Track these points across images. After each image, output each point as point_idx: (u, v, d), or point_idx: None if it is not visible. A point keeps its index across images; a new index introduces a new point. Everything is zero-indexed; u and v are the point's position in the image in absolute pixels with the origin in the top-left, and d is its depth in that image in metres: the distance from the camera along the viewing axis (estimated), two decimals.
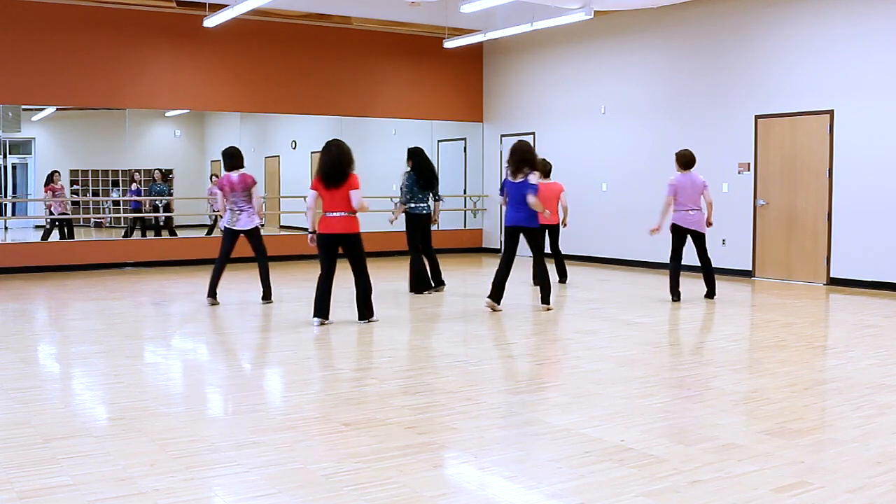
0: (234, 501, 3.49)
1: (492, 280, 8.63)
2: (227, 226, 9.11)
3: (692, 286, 10.03)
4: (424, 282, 10.04)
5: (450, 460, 4.12)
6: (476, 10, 11.60)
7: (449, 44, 14.27)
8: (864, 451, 4.12)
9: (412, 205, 9.92)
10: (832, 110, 10.83)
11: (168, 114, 15.93)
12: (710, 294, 9.58)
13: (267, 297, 9.22)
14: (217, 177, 15.51)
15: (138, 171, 15.44)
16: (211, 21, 11.99)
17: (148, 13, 13.17)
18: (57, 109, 15.31)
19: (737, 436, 4.37)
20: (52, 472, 3.80)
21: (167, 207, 15.60)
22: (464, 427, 4.55)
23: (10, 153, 15.89)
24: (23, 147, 16.41)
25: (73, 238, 14.33)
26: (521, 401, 5.14)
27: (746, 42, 11.83)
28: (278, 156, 18.40)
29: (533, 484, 3.68)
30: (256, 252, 9.20)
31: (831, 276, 10.93)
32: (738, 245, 12.01)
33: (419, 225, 9.92)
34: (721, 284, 11.10)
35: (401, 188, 10.00)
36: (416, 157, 10.00)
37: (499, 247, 16.33)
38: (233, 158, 9.15)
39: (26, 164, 16.60)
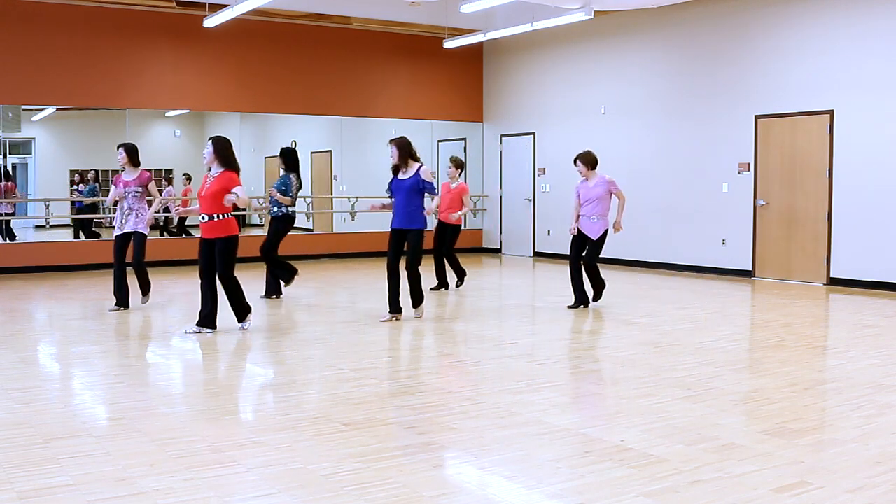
0: (234, 501, 3.49)
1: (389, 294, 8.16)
2: (118, 227, 8.77)
3: (692, 288, 10.03)
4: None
5: (450, 460, 4.12)
6: (476, 10, 11.60)
7: (449, 44, 14.27)
8: (864, 451, 4.12)
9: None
10: (832, 110, 10.83)
11: (168, 114, 15.91)
12: (595, 297, 9.23)
13: (122, 303, 8.89)
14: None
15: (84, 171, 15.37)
16: (211, 21, 11.99)
17: (148, 13, 13.17)
18: (57, 109, 15.29)
19: (737, 436, 4.37)
20: (52, 472, 3.80)
21: (94, 208, 15.32)
22: (464, 427, 4.55)
23: (10, 153, 15.87)
24: (23, 147, 16.38)
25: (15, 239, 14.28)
26: (521, 401, 5.14)
27: (746, 42, 11.82)
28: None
29: (533, 484, 3.68)
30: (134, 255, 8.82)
31: (831, 276, 10.92)
32: (737, 245, 12.01)
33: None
34: (721, 284, 11.11)
35: (286, 188, 9.38)
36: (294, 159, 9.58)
37: (499, 246, 16.35)
38: (131, 155, 8.83)
39: (26, 164, 16.59)
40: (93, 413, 4.97)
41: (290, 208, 9.47)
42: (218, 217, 7.24)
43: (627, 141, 13.64)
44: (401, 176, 8.05)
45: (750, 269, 11.88)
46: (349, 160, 16.46)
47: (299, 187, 9.55)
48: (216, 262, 7.32)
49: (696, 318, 8.46)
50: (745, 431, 4.49)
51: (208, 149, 7.44)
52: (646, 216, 12.98)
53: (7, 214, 14.40)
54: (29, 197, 16.50)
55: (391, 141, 8.15)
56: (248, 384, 5.88)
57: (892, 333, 7.50)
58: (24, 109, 15.32)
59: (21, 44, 12.47)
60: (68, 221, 15.50)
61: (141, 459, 3.97)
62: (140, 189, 8.79)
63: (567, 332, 7.63)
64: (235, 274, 7.42)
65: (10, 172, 14.78)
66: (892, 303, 9.43)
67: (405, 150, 8.00)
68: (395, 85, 15.51)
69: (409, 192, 7.97)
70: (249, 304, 7.67)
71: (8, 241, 13.96)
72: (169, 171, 16.97)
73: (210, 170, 7.48)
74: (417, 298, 8.22)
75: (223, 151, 7.40)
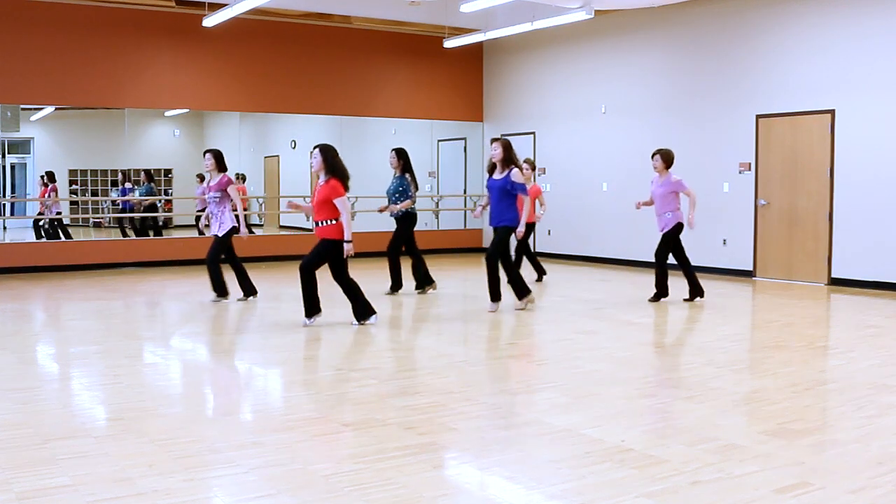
0: (234, 502, 3.48)
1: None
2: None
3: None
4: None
5: (450, 460, 4.11)
6: (476, 9, 11.58)
7: (449, 43, 14.25)
8: (865, 452, 4.10)
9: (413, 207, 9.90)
10: (833, 110, 10.82)
11: (167, 113, 15.91)
12: (693, 295, 9.42)
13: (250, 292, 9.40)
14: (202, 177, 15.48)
15: (129, 171, 15.38)
16: (210, 20, 11.98)
17: (147, 13, 13.16)
18: (56, 109, 15.29)
19: (737, 436, 4.36)
20: (52, 472, 3.79)
21: (152, 208, 15.44)
22: (464, 427, 4.54)
23: (8, 153, 15.87)
24: (21, 147, 16.39)
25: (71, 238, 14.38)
26: (521, 401, 5.12)
27: (747, 41, 11.81)
28: (278, 156, 18.38)
29: (533, 484, 3.67)
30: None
31: (832, 276, 10.91)
32: (738, 245, 11.99)
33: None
34: (722, 284, 11.10)
35: (403, 189, 9.79)
36: (408, 158, 9.90)
37: None
38: (218, 160, 9.20)
39: (25, 163, 16.59)
40: (92, 413, 4.95)
41: (413, 208, 9.86)
42: (325, 223, 7.49)
43: (627, 141, 13.63)
44: (495, 176, 8.40)
45: (751, 269, 11.87)
46: (349, 160, 16.38)
47: (416, 186, 9.89)
48: (330, 265, 7.64)
49: (697, 319, 8.44)
50: (746, 432, 4.48)
51: (316, 157, 7.59)
52: (646, 216, 12.94)
53: (57, 213, 14.60)
54: (28, 197, 16.49)
55: (496, 140, 8.48)
56: (248, 384, 5.87)
57: (894, 334, 7.49)
58: (23, 109, 15.33)
59: (19, 43, 12.45)
60: (67, 221, 15.49)
61: (140, 460, 3.95)
62: (220, 193, 9.09)
63: (567, 332, 7.62)
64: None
65: (54, 175, 14.84)
66: (893, 303, 9.42)
67: (509, 151, 8.34)
68: (395, 85, 15.50)
69: (500, 192, 8.34)
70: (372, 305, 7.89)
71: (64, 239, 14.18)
72: (168, 171, 16.97)
73: (319, 177, 7.67)
74: (520, 291, 8.64)
75: (330, 159, 7.56)
